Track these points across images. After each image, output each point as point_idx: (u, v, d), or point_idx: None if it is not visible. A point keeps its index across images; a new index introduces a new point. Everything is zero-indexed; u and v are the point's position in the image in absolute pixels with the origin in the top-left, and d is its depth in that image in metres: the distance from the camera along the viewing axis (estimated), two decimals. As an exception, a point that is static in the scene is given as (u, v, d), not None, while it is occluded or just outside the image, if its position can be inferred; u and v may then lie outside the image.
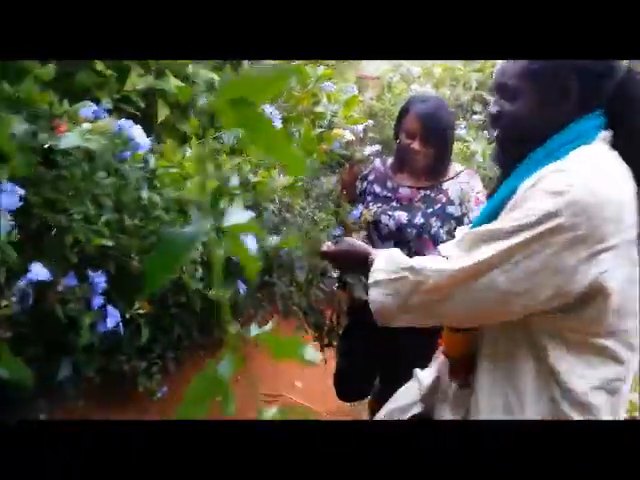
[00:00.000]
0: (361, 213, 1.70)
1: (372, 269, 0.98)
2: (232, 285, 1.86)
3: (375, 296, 0.96)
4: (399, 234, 1.65)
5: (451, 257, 0.92)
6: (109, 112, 0.98)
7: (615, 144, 0.83)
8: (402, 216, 1.66)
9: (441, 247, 1.05)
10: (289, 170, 0.45)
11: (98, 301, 0.89)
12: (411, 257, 1.27)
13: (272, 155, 0.32)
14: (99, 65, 1.05)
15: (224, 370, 0.35)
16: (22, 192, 0.66)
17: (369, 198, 1.75)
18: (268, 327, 0.40)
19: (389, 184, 1.73)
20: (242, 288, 1.97)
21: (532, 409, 0.84)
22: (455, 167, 1.73)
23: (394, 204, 1.70)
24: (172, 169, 0.93)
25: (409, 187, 1.70)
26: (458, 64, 4.12)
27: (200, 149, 0.96)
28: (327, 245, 1.20)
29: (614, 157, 0.83)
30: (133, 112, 1.05)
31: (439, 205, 1.65)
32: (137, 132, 0.86)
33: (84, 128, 0.79)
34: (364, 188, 1.79)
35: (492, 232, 0.83)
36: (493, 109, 0.96)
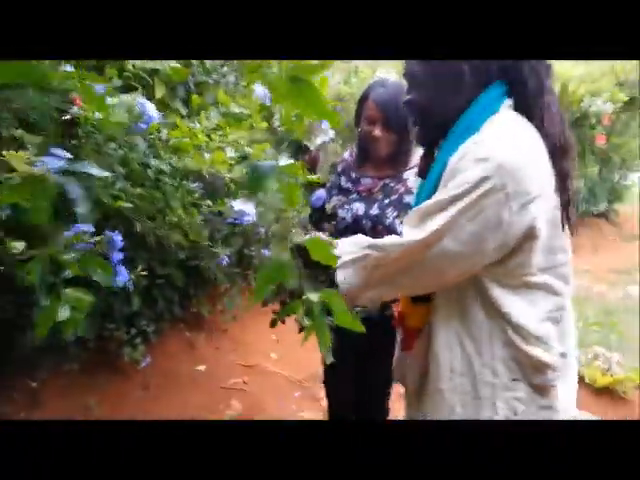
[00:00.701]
0: (323, 206, 1.72)
1: (337, 253, 1.03)
2: (215, 257, 1.98)
3: (342, 277, 1.02)
4: (355, 226, 1.62)
5: (405, 233, 0.99)
6: (118, 89, 1.10)
7: (517, 108, 0.96)
8: (359, 208, 1.65)
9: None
10: (331, 123, 0.61)
11: (117, 257, 1.02)
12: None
13: (318, 115, 0.48)
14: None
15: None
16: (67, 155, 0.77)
17: (333, 191, 1.75)
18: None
19: (352, 175, 1.72)
20: (225, 260, 2.09)
21: (488, 353, 0.96)
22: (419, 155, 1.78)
23: (354, 196, 1.68)
24: (185, 139, 1.06)
25: (370, 177, 1.68)
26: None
27: (207, 122, 1.11)
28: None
29: (521, 120, 0.94)
30: (135, 88, 1.18)
31: (396, 195, 1.62)
32: (150, 107, 0.99)
33: (108, 103, 0.91)
34: (332, 180, 1.78)
35: (435, 205, 0.93)
36: (405, 98, 1.06)
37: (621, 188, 6.13)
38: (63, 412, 2.08)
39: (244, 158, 1.35)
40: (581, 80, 5.42)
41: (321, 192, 1.79)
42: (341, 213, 1.66)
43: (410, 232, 0.98)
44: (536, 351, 0.94)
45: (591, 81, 5.51)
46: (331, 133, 1.88)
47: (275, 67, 0.61)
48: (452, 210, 0.90)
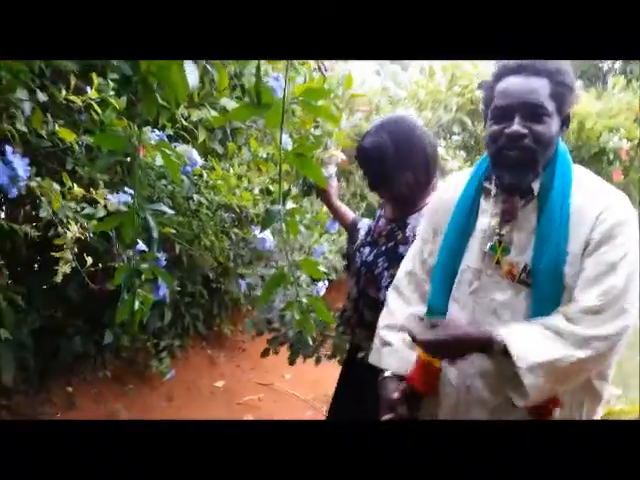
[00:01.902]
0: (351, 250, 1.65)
1: (514, 354, 0.97)
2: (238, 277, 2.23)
3: (534, 382, 0.96)
4: (358, 272, 1.53)
5: (601, 320, 0.99)
6: (168, 137, 1.38)
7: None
8: (365, 253, 1.54)
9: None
10: (320, 184, 0.86)
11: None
12: (360, 292, 1.51)
13: (314, 177, 0.74)
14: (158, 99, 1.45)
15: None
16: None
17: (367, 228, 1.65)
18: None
19: (379, 213, 1.62)
20: (243, 285, 2.35)
21: None
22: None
23: (369, 238, 1.57)
24: (219, 181, 1.33)
25: (385, 219, 1.56)
26: (441, 87, 4.59)
27: (239, 169, 1.38)
28: (420, 331, 1.05)
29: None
30: (183, 135, 1.46)
31: (392, 243, 1.47)
32: (195, 154, 1.26)
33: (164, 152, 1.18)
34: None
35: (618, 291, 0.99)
36: (520, 128, 1.04)
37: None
38: (94, 415, 2.33)
39: (269, 192, 1.62)
40: (599, 116, 5.61)
41: (331, 222, 1.85)
42: (356, 255, 1.56)
43: (607, 320, 0.99)
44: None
45: (609, 117, 5.71)
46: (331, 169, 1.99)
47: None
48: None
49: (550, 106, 1.05)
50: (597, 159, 5.39)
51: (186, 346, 2.91)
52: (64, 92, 1.00)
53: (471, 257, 1.15)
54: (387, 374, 1.17)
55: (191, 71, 0.81)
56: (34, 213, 1.56)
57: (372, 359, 1.23)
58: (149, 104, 0.78)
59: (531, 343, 0.99)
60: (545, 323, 1.01)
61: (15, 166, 0.81)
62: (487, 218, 1.14)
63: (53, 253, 0.96)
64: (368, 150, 1.46)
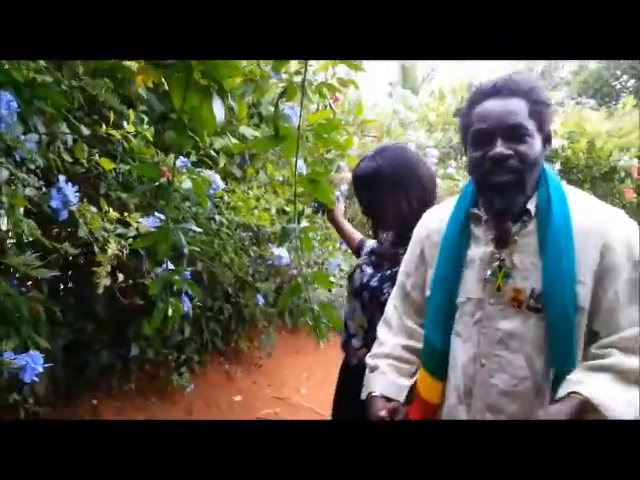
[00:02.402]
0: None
1: (608, 414, 0.94)
2: (253, 296, 2.35)
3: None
4: (359, 294, 1.52)
5: None
6: (192, 163, 1.51)
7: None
8: (366, 275, 1.54)
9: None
10: (329, 204, 0.96)
11: (184, 288, 1.39)
12: (370, 320, 1.46)
13: (324, 199, 0.84)
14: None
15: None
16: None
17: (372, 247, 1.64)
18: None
19: (384, 234, 1.60)
20: (261, 300, 2.46)
21: None
22: None
23: (373, 258, 1.57)
24: (239, 202, 1.46)
25: (389, 241, 1.55)
26: (451, 110, 4.72)
27: (257, 191, 1.51)
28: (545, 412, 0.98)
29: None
30: (205, 161, 1.59)
31: (397, 268, 1.41)
32: (218, 178, 1.38)
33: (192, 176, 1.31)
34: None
35: None
36: (504, 150, 1.03)
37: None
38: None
39: (284, 212, 1.74)
40: (609, 135, 5.68)
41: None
42: (356, 274, 1.57)
43: None
44: None
45: (619, 136, 5.77)
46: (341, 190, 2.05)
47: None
48: None
49: (530, 125, 1.04)
50: (608, 178, 5.44)
51: (204, 361, 3.01)
52: (104, 127, 1.13)
53: (470, 287, 1.12)
54: (375, 393, 1.16)
55: (218, 108, 0.93)
56: (67, 233, 1.69)
57: (364, 386, 1.22)
58: (183, 138, 0.90)
59: (615, 400, 0.95)
60: (612, 367, 0.98)
61: (67, 192, 0.93)
62: (481, 246, 1.12)
63: (95, 268, 1.07)
64: (361, 176, 1.47)
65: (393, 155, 1.49)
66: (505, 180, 1.03)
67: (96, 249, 1.07)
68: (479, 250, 1.11)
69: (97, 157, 1.14)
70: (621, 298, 1.01)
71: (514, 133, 1.02)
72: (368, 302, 1.49)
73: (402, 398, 1.15)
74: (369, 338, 1.43)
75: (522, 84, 1.07)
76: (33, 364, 0.97)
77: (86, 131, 1.13)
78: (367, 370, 1.23)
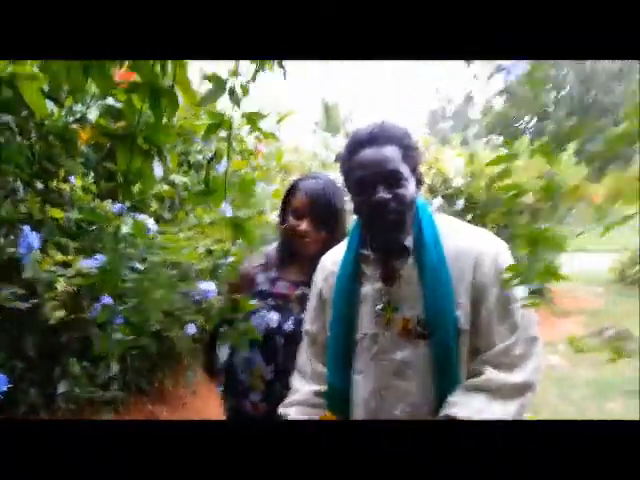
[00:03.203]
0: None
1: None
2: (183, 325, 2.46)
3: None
4: (267, 340, 1.42)
5: (519, 357, 1.08)
6: (128, 208, 1.68)
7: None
8: (273, 319, 1.46)
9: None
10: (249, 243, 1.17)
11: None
12: (278, 370, 1.43)
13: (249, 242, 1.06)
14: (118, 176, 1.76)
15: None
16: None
17: (252, 289, 1.53)
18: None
19: (271, 274, 1.53)
20: (192, 328, 2.56)
21: None
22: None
23: (270, 301, 1.48)
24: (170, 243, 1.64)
25: (289, 281, 1.49)
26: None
27: (188, 232, 1.70)
28: None
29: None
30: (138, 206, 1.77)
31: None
32: (151, 222, 1.56)
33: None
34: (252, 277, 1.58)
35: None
36: (384, 195, 1.11)
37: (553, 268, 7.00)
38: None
39: (210, 252, 1.93)
40: (507, 173, 6.34)
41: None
42: (254, 320, 1.43)
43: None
44: None
45: (517, 174, 6.45)
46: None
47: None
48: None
49: (405, 169, 1.13)
50: (508, 213, 6.08)
51: (128, 401, 3.05)
52: (55, 181, 1.28)
53: (365, 324, 1.18)
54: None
55: (157, 167, 1.14)
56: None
57: None
58: (128, 194, 1.09)
59: (490, 417, 1.03)
60: (485, 385, 1.06)
61: (31, 240, 1.07)
62: (371, 283, 1.19)
63: (47, 303, 1.21)
64: (313, 197, 1.44)
65: (332, 184, 1.50)
66: (388, 222, 1.12)
67: (38, 289, 1.21)
68: (370, 287, 1.19)
69: (48, 207, 1.29)
70: (493, 315, 1.09)
71: (392, 178, 1.11)
72: (282, 348, 1.43)
73: None
74: (274, 389, 1.41)
75: (395, 131, 1.15)
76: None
77: (40, 185, 1.27)
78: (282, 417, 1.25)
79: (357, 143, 1.16)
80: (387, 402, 1.15)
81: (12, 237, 1.07)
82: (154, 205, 1.80)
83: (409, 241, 1.17)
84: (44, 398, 2.19)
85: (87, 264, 1.29)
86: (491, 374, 1.07)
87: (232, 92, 1.05)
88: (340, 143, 5.16)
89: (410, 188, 1.14)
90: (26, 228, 1.05)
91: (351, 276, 1.21)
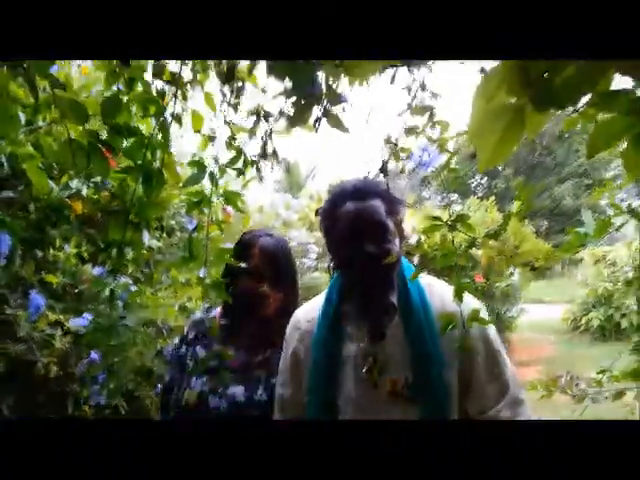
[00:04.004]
0: (182, 395, 1.33)
1: None
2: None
3: None
4: (233, 415, 1.28)
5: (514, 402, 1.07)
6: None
7: None
8: (238, 393, 1.30)
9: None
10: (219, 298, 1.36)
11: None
12: None
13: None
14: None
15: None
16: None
17: (190, 367, 1.37)
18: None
19: (215, 346, 1.38)
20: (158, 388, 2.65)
21: None
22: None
23: (224, 375, 1.35)
24: (149, 302, 1.81)
25: (245, 349, 1.35)
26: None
27: (165, 292, 1.88)
28: None
29: None
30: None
31: (270, 371, 1.29)
32: (130, 282, 1.74)
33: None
34: (176, 355, 1.43)
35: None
36: (374, 249, 1.05)
37: (507, 319, 7.36)
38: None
39: (184, 309, 2.10)
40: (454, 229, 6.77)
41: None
42: (213, 402, 1.30)
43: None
44: None
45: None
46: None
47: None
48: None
49: (390, 224, 1.09)
50: (459, 267, 6.44)
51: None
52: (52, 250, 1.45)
53: (349, 387, 1.09)
54: None
55: (145, 237, 1.33)
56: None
57: None
58: (119, 260, 1.27)
59: None
60: None
61: (39, 302, 1.21)
62: (354, 342, 1.11)
63: (44, 359, 1.34)
64: (268, 250, 1.37)
65: (285, 241, 1.45)
66: (376, 278, 1.06)
67: (33, 346, 1.35)
68: (352, 347, 1.11)
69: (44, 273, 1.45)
70: (483, 375, 1.05)
71: (379, 232, 1.07)
72: (258, 419, 1.28)
73: None
74: None
75: (378, 186, 1.11)
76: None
77: (39, 253, 1.43)
78: None
79: (341, 196, 1.11)
80: None
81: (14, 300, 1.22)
82: (130, 267, 1.96)
83: (394, 297, 1.11)
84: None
85: (76, 323, 1.44)
86: None
87: (212, 175, 1.27)
88: (302, 203, 5.44)
89: (395, 242, 1.10)
90: (33, 292, 1.21)
91: (332, 335, 1.13)
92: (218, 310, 1.48)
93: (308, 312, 1.24)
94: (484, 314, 1.05)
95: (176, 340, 1.56)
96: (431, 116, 1.13)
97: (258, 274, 1.36)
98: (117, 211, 1.22)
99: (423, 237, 5.99)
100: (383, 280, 1.11)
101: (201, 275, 1.81)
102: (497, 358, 1.09)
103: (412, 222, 5.53)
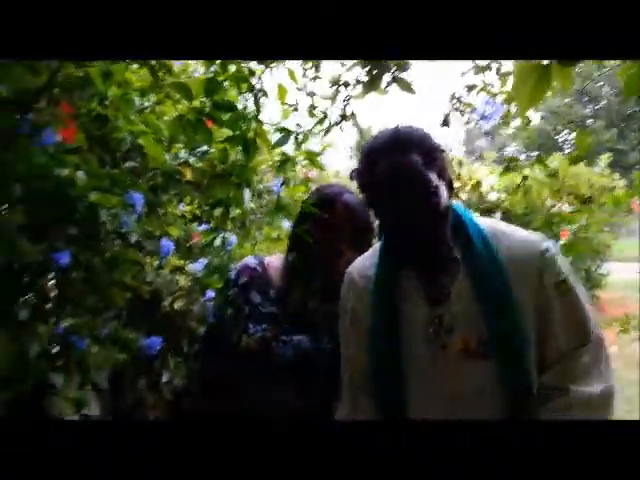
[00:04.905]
0: (239, 339, 1.28)
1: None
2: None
3: None
4: (302, 367, 1.25)
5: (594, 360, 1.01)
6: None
7: None
8: (303, 340, 1.27)
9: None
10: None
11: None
12: (323, 397, 1.21)
13: None
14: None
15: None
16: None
17: (245, 312, 1.34)
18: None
19: (272, 293, 1.35)
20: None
21: None
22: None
23: (285, 324, 1.31)
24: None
25: (306, 298, 1.31)
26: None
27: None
28: None
29: None
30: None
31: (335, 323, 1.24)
32: (233, 237, 2.04)
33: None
34: (231, 299, 1.38)
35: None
36: (414, 205, 0.99)
37: (597, 276, 7.13)
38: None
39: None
40: (543, 184, 6.57)
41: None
42: (277, 348, 1.26)
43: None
44: None
45: (554, 185, 6.67)
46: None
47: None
48: None
49: (432, 175, 1.00)
50: (546, 223, 6.29)
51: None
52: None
53: (415, 347, 1.06)
54: None
55: (247, 196, 1.59)
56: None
57: None
58: (225, 217, 1.55)
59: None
60: (568, 407, 0.96)
61: (169, 247, 1.53)
62: (417, 305, 1.07)
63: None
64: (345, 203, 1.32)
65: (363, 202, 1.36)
66: (423, 235, 1.01)
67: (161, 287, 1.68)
68: (416, 310, 1.07)
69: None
70: (562, 321, 1.01)
71: (420, 186, 1.00)
72: (329, 371, 1.24)
73: None
74: None
75: (413, 136, 1.06)
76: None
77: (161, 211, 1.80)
78: None
79: (375, 153, 1.06)
80: None
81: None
82: (229, 225, 2.27)
83: (455, 250, 1.05)
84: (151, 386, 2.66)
85: (194, 268, 1.76)
86: (574, 392, 0.98)
87: (296, 139, 1.50)
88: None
89: (441, 195, 1.02)
90: (163, 239, 1.52)
91: (392, 295, 1.08)
92: (273, 257, 1.55)
93: (361, 269, 1.18)
94: (561, 258, 1.04)
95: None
96: (490, 72, 1.27)
97: (336, 228, 1.33)
98: (221, 175, 1.48)
99: (503, 195, 5.92)
100: (433, 237, 1.04)
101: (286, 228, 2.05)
102: (576, 301, 1.02)
103: (492, 179, 5.49)
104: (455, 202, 1.10)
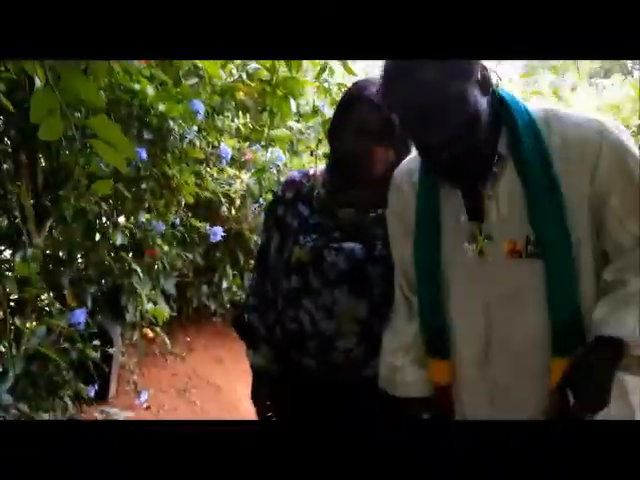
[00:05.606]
0: (291, 251, 1.30)
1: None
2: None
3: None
4: (356, 275, 1.26)
5: None
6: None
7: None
8: (355, 250, 1.27)
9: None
10: None
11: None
12: (376, 307, 1.23)
13: None
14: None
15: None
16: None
17: (294, 225, 1.33)
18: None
19: (320, 206, 1.33)
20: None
21: None
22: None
23: (337, 234, 1.29)
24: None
25: (354, 209, 1.30)
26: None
27: None
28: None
29: None
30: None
31: (383, 232, 1.22)
32: (281, 152, 2.27)
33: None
34: (280, 214, 1.36)
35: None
36: (439, 121, 0.90)
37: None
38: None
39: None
40: (599, 110, 6.29)
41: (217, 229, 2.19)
42: (329, 257, 1.27)
43: None
44: None
45: (610, 109, 6.37)
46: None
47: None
48: None
49: (454, 82, 0.90)
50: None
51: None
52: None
53: (461, 246, 1.04)
54: (405, 395, 1.12)
55: (293, 105, 1.78)
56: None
57: (383, 385, 1.16)
58: (271, 124, 1.75)
59: (632, 330, 0.88)
60: (630, 298, 0.91)
61: (226, 152, 1.81)
62: (460, 212, 1.03)
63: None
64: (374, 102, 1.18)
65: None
66: (453, 151, 0.94)
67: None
68: (457, 216, 1.04)
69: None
70: (622, 212, 0.94)
71: (440, 96, 0.91)
72: (380, 278, 1.25)
73: (431, 391, 1.11)
74: (369, 331, 1.24)
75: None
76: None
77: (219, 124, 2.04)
78: (384, 368, 1.15)
79: (392, 72, 0.98)
80: (499, 337, 1.01)
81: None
82: (277, 145, 2.50)
83: (501, 147, 0.99)
84: (212, 292, 3.02)
85: (245, 177, 2.01)
86: (633, 284, 0.93)
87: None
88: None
89: (468, 99, 0.93)
90: (222, 144, 1.77)
91: (433, 202, 1.07)
92: (317, 168, 1.48)
93: (407, 173, 1.16)
94: (624, 142, 0.95)
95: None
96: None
97: (369, 131, 1.24)
98: (270, 84, 1.68)
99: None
100: (467, 149, 0.96)
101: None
102: (636, 190, 0.95)
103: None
104: (501, 90, 1.02)
